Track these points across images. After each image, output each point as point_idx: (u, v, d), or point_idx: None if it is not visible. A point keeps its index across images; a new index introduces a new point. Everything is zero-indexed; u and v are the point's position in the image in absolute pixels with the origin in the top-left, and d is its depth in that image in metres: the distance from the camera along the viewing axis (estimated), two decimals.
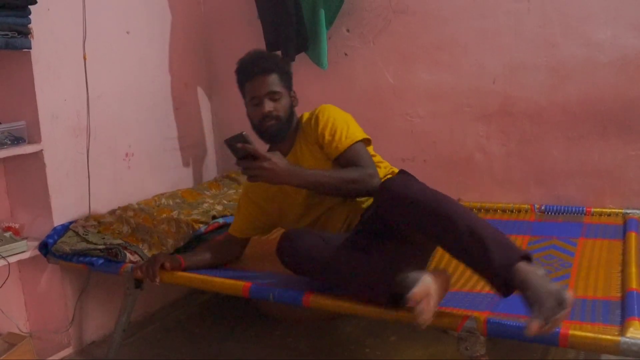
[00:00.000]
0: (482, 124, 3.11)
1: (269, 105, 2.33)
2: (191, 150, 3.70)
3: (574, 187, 2.96)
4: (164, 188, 3.39)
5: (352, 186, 2.25)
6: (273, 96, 2.35)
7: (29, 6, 2.62)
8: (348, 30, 3.39)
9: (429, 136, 3.25)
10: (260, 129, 2.39)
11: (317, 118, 2.40)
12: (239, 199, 2.66)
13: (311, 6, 3.29)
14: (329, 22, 3.32)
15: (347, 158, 2.32)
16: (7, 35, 2.54)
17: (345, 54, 3.42)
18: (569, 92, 2.90)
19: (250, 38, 3.57)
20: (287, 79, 2.42)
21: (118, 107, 3.18)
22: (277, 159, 2.14)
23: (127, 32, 3.23)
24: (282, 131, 2.40)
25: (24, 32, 2.61)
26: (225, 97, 3.82)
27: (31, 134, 2.77)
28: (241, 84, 2.42)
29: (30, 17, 2.63)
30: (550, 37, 2.91)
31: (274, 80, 2.36)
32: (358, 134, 2.37)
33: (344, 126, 2.36)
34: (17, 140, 2.70)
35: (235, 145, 2.08)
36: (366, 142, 2.41)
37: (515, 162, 3.07)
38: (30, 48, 2.66)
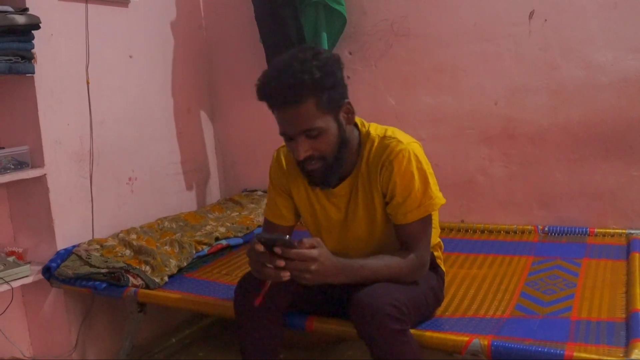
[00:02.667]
0: (484, 146, 3.11)
1: (305, 147, 1.77)
2: (194, 175, 3.71)
3: (577, 209, 2.96)
4: (167, 212, 3.39)
5: (399, 278, 1.86)
6: (310, 133, 1.75)
7: (33, 31, 2.64)
8: (350, 53, 3.41)
9: (431, 159, 3.15)
10: (302, 171, 1.90)
11: (391, 166, 1.84)
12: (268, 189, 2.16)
13: (313, 29, 3.31)
14: (331, 45, 3.35)
15: (408, 232, 1.89)
16: (11, 60, 2.56)
17: (348, 77, 3.43)
18: (571, 114, 2.90)
19: (252, 62, 3.59)
20: (330, 99, 1.75)
21: (121, 132, 3.19)
22: (324, 259, 1.70)
23: (130, 57, 3.26)
24: (331, 174, 1.87)
25: (28, 57, 2.63)
26: (228, 121, 3.84)
27: (34, 159, 2.78)
28: (267, 105, 1.83)
29: (34, 42, 2.65)
30: (550, 59, 2.92)
31: (308, 112, 1.73)
32: (434, 201, 1.87)
33: (420, 188, 1.85)
34: (20, 164, 2.71)
35: (272, 248, 1.66)
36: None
37: (518, 184, 3.07)
38: (33, 73, 2.68)
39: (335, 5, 3.24)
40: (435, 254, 2.13)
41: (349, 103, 1.83)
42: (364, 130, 1.95)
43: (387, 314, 1.70)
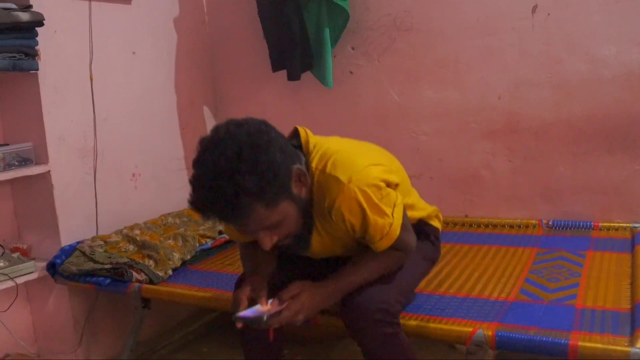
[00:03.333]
0: (488, 140, 3.11)
1: (269, 240, 1.64)
2: None
3: (581, 203, 2.95)
4: (171, 208, 3.39)
5: (389, 271, 1.85)
6: (268, 228, 1.62)
7: (36, 28, 2.64)
8: (353, 49, 3.41)
9: (435, 153, 3.25)
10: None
11: (340, 212, 1.69)
12: None
13: (316, 25, 3.31)
14: (334, 41, 3.35)
15: (388, 252, 1.82)
16: (15, 57, 2.57)
17: (351, 72, 3.44)
18: (574, 108, 2.90)
19: (255, 58, 3.60)
20: (277, 190, 1.56)
21: (124, 128, 3.20)
22: (307, 303, 1.69)
23: (133, 53, 3.26)
24: (303, 239, 1.83)
25: (31, 54, 2.64)
26: (231, 116, 3.82)
27: (38, 155, 2.78)
28: None
29: (38, 39, 2.65)
30: (554, 54, 2.92)
31: (260, 216, 1.56)
32: (394, 223, 1.75)
33: (377, 221, 1.71)
34: (24, 161, 2.72)
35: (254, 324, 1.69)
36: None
37: (522, 178, 3.07)
38: (37, 70, 2.68)
39: (338, 0, 3.23)
40: (432, 223, 2.13)
41: (296, 170, 1.62)
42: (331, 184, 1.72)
43: (377, 320, 1.71)
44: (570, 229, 2.88)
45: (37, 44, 2.66)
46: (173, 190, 3.51)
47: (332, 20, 3.31)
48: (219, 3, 3.81)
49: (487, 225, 3.05)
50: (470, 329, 1.82)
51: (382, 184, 1.73)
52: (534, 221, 2.97)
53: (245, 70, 3.75)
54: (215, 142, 1.55)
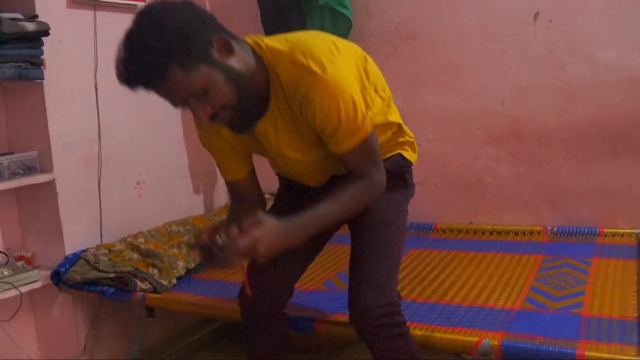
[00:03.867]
0: (491, 146, 3.11)
1: (202, 110, 1.57)
2: (202, 178, 3.71)
3: (585, 208, 2.96)
4: (175, 215, 3.39)
5: (360, 208, 1.76)
6: (195, 95, 1.55)
7: (42, 38, 2.65)
8: None
9: (439, 160, 3.25)
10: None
11: (312, 103, 1.60)
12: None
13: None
14: None
15: (354, 159, 1.71)
16: (21, 66, 2.57)
17: None
18: (577, 112, 2.90)
19: None
20: (192, 52, 1.49)
21: (129, 136, 3.20)
22: (266, 233, 1.53)
23: None
24: (248, 115, 1.67)
25: (37, 63, 2.64)
26: None
27: (43, 164, 2.78)
28: None
29: (43, 48, 2.66)
30: (556, 58, 2.93)
31: (179, 81, 1.51)
32: (366, 124, 1.66)
33: (350, 116, 1.62)
34: (29, 170, 2.72)
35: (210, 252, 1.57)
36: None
37: (526, 184, 3.07)
38: (42, 79, 2.68)
39: (340, 8, 3.24)
40: (407, 156, 1.98)
41: (217, 38, 1.54)
42: (263, 52, 1.66)
43: (383, 324, 1.71)
44: (575, 235, 2.88)
45: (42, 53, 2.66)
46: (177, 198, 3.51)
47: (335, 27, 3.31)
48: (223, 11, 3.80)
49: (491, 232, 3.06)
50: (476, 339, 1.82)
51: (359, 91, 1.67)
52: (538, 228, 2.97)
53: None
54: (135, 16, 1.53)
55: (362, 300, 1.72)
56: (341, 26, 3.32)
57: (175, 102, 1.58)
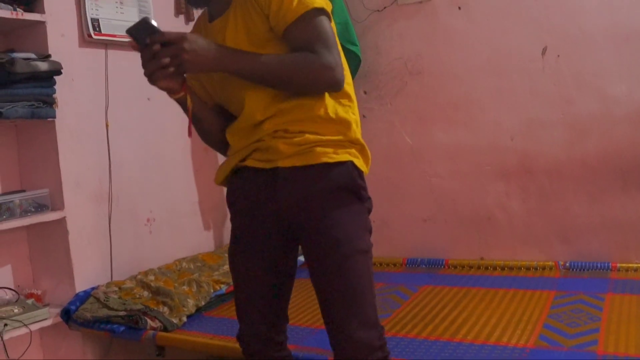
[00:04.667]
0: (502, 181, 3.11)
1: None
2: (211, 214, 3.71)
3: (598, 242, 2.94)
4: (185, 252, 3.39)
5: (300, 75, 1.60)
6: None
7: (54, 77, 2.68)
8: (365, 93, 3.44)
9: (449, 195, 3.25)
10: None
11: None
12: None
13: None
14: None
15: (300, 34, 1.60)
16: (33, 105, 2.60)
17: (364, 116, 3.46)
18: (587, 147, 2.90)
19: None
20: None
21: (139, 173, 3.21)
22: (195, 38, 1.53)
23: (148, 99, 3.29)
24: None
25: (49, 102, 2.67)
26: None
27: (54, 201, 2.79)
28: None
29: (55, 87, 2.69)
30: (565, 93, 2.94)
31: None
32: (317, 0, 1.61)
33: None
34: (40, 207, 2.73)
35: (140, 35, 1.51)
36: (328, 16, 1.66)
37: (537, 219, 3.06)
38: (54, 117, 2.71)
39: (349, 45, 3.27)
40: (359, 164, 1.70)
41: None
42: None
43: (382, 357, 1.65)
44: (587, 270, 2.86)
45: (54, 92, 2.69)
46: (187, 235, 3.51)
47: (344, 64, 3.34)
48: None
49: (503, 268, 3.03)
50: None
51: None
52: (550, 263, 2.95)
53: None
54: None
55: (358, 336, 1.63)
56: (350, 63, 3.33)
57: None
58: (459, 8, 3.18)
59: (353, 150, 1.69)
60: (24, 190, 2.76)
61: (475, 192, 3.18)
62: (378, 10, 3.39)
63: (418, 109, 3.31)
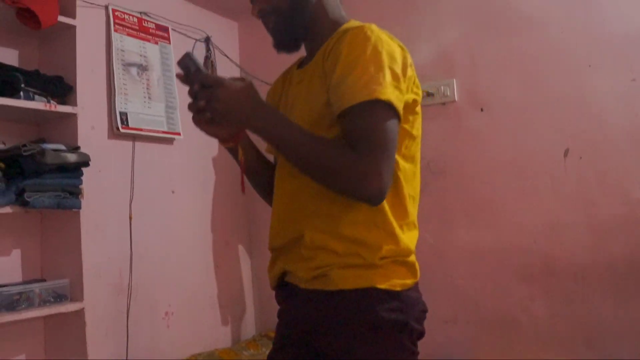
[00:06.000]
0: (525, 283, 3.06)
1: (255, 4, 1.64)
2: (230, 308, 3.68)
3: (626, 348, 2.84)
4: (202, 347, 3.34)
5: (330, 174, 1.41)
6: None
7: (82, 168, 2.74)
8: None
9: (471, 297, 3.20)
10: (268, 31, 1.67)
11: (345, 37, 1.48)
12: None
13: None
14: None
15: (350, 124, 1.41)
16: (60, 195, 2.64)
17: None
18: (612, 250, 2.86)
19: None
20: None
21: (160, 265, 3.22)
22: (233, 87, 1.38)
23: (172, 192, 3.34)
24: (285, 31, 1.63)
25: (75, 193, 2.71)
26: (267, 255, 3.84)
27: (74, 292, 2.78)
28: None
29: (82, 178, 2.74)
30: (588, 195, 2.92)
31: None
32: (387, 91, 1.39)
33: (369, 65, 1.41)
34: (59, 297, 2.72)
35: (187, 70, 1.43)
36: (395, 114, 1.42)
37: (561, 323, 2.99)
38: (79, 208, 2.74)
39: None
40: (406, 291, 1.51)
41: None
42: (345, 20, 1.65)
43: None
44: None
45: (81, 183, 2.74)
46: (205, 329, 3.47)
47: None
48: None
49: None
50: None
51: (398, 72, 1.45)
52: None
53: None
54: None
55: None
56: None
57: None
58: (482, 109, 3.23)
59: (380, 270, 1.47)
60: (44, 280, 2.76)
61: (498, 294, 3.13)
62: None
63: (440, 208, 3.31)
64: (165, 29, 3.45)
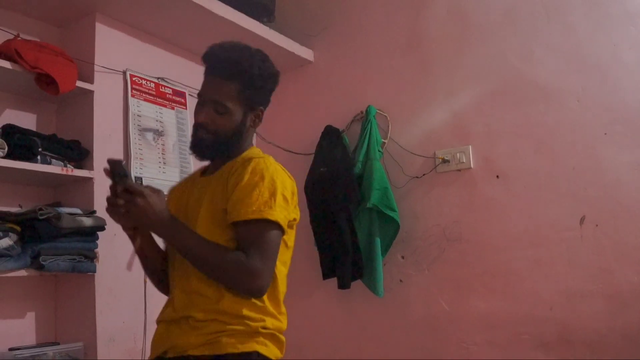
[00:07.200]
0: (541, 352, 3.00)
1: (207, 115, 1.88)
2: None
3: None
4: None
5: (224, 272, 1.76)
6: (218, 107, 1.87)
7: (98, 232, 2.77)
8: (403, 258, 3.45)
9: None
10: (192, 137, 1.95)
11: (247, 164, 1.84)
12: None
13: (367, 235, 3.38)
14: (385, 250, 3.40)
15: (243, 233, 1.78)
16: (75, 259, 2.68)
17: (400, 281, 3.45)
18: (629, 319, 2.81)
19: (305, 264, 3.64)
20: (251, 96, 1.91)
21: None
22: (154, 200, 1.73)
23: None
24: (212, 151, 1.94)
25: (90, 257, 2.75)
26: None
27: (88, 356, 2.80)
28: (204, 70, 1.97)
29: (97, 241, 2.77)
30: (605, 264, 2.89)
31: (229, 91, 1.88)
32: (277, 213, 1.77)
33: (265, 195, 1.78)
34: None
35: (116, 172, 1.75)
36: (280, 230, 1.82)
37: None
38: (94, 272, 2.78)
39: (388, 211, 3.33)
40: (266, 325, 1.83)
41: (261, 111, 1.99)
42: (252, 149, 2.02)
43: None
44: None
45: (96, 247, 2.78)
46: None
47: (383, 230, 3.38)
48: None
49: None
50: None
51: (288, 197, 1.86)
52: None
53: (295, 277, 3.75)
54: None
55: None
56: (389, 228, 3.39)
57: (206, 92, 1.90)
58: (497, 177, 3.24)
59: (261, 339, 1.80)
60: (58, 343, 2.78)
61: None
62: (417, 177, 3.47)
63: (455, 275, 3.29)
64: (182, 94, 3.53)
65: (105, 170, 1.75)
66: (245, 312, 1.78)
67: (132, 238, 1.95)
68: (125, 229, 1.91)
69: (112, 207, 1.75)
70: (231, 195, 1.80)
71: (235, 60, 1.88)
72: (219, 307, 1.78)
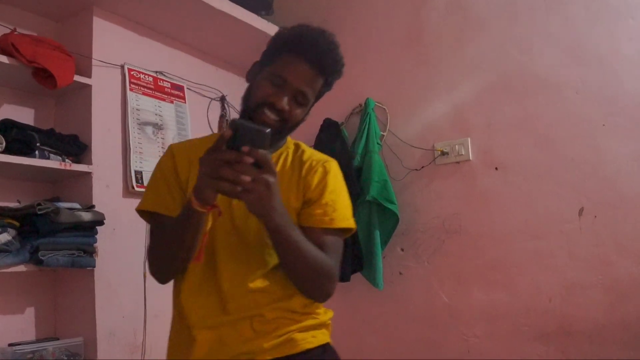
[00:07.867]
0: (540, 344, 3.01)
1: (287, 103, 1.68)
2: None
3: None
4: None
5: (315, 275, 1.65)
6: (299, 97, 1.70)
7: (97, 227, 2.77)
8: (403, 250, 3.45)
9: (486, 357, 3.14)
10: (254, 113, 1.68)
11: (324, 169, 1.79)
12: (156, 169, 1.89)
13: (366, 227, 3.38)
14: (384, 242, 3.40)
15: (327, 240, 1.69)
16: (74, 254, 2.67)
17: (400, 273, 3.45)
18: (628, 310, 2.81)
19: None
20: (322, 93, 1.81)
21: None
22: (276, 182, 1.46)
23: None
24: (277, 137, 1.74)
25: (90, 252, 2.74)
26: None
27: (87, 351, 2.79)
28: (277, 49, 1.74)
29: (97, 236, 2.77)
30: (604, 255, 2.89)
31: (316, 86, 1.74)
32: (352, 224, 1.78)
33: (347, 203, 1.81)
34: (73, 356, 2.73)
35: (244, 137, 1.39)
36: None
37: None
38: (94, 266, 2.77)
39: (387, 203, 3.33)
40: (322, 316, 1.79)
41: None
42: (292, 141, 1.92)
43: None
44: None
45: (96, 242, 2.77)
46: None
47: (382, 222, 3.38)
48: None
49: None
50: None
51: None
52: None
53: None
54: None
55: None
56: (389, 221, 3.39)
57: (295, 79, 1.68)
58: (496, 169, 3.23)
59: (324, 330, 1.78)
60: (57, 338, 2.77)
61: (513, 354, 3.07)
62: (416, 170, 3.46)
63: (455, 268, 3.29)
64: (181, 88, 3.52)
65: (224, 132, 1.40)
66: (313, 307, 1.74)
67: (200, 219, 1.54)
68: (204, 204, 1.46)
69: (227, 179, 1.38)
70: (314, 196, 1.74)
71: (334, 59, 1.75)
72: (290, 305, 1.68)
